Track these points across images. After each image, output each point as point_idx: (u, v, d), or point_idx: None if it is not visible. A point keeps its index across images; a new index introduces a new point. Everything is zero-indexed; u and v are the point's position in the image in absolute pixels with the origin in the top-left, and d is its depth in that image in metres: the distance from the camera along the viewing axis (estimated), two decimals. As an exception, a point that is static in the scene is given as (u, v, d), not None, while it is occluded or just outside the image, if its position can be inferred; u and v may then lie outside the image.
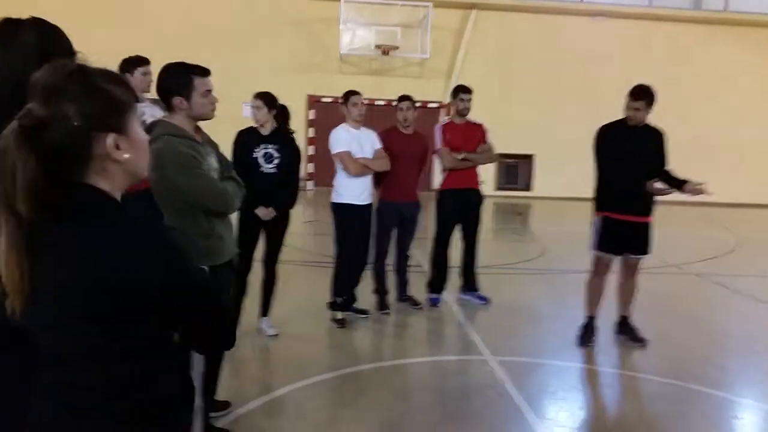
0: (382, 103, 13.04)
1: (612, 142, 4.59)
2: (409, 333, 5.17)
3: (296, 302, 5.53)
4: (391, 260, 5.48)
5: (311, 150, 14.73)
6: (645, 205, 4.60)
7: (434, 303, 5.63)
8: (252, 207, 4.41)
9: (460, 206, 5.57)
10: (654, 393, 4.06)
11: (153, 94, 3.12)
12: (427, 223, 5.68)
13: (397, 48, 14.58)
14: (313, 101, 14.96)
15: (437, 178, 5.73)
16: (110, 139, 1.17)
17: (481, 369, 4.27)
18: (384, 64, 14.92)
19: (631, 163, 4.49)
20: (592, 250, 4.72)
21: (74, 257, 1.13)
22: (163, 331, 1.24)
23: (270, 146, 4.44)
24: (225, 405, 3.44)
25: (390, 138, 5.26)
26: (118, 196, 1.23)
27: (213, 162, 2.90)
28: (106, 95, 1.17)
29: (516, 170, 15.92)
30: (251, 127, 4.51)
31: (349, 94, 5.02)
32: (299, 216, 10.92)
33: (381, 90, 13.30)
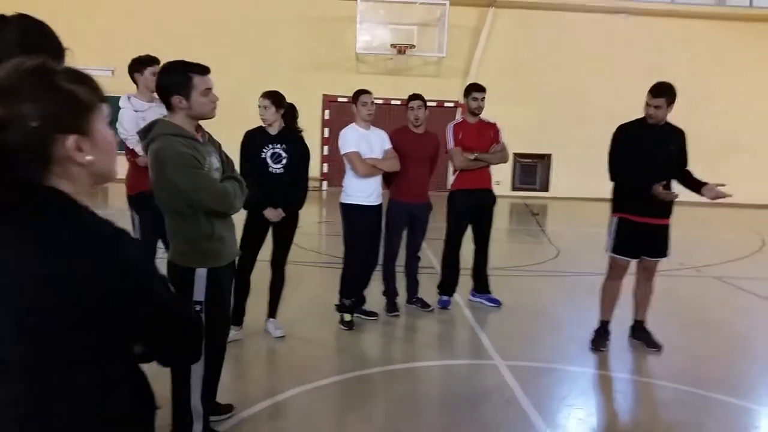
0: (398, 102, 12.95)
1: (629, 142, 4.48)
2: (418, 336, 5.09)
3: (304, 304, 5.49)
4: (401, 261, 5.41)
5: (326, 150, 14.71)
6: (663, 206, 4.47)
7: (445, 305, 5.55)
8: (260, 208, 4.38)
9: (472, 207, 5.48)
10: (669, 400, 3.94)
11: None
12: (440, 223, 5.58)
13: (413, 47, 14.50)
14: (329, 101, 14.93)
15: (451, 178, 5.63)
16: (71, 140, 1.11)
17: (490, 374, 4.18)
18: (400, 64, 14.85)
19: (649, 163, 4.37)
20: (608, 253, 4.62)
21: (25, 261, 1.08)
22: (117, 341, 1.18)
23: (278, 146, 4.40)
24: (228, 408, 3.40)
25: (400, 138, 5.19)
26: (83, 198, 1.17)
27: (215, 161, 2.86)
28: (67, 95, 1.11)
29: (533, 170, 15.75)
30: (259, 127, 4.47)
31: (359, 93, 4.95)
32: (311, 216, 10.91)
33: (397, 90, 13.20)
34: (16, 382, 1.13)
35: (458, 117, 5.62)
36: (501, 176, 14.36)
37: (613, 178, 4.56)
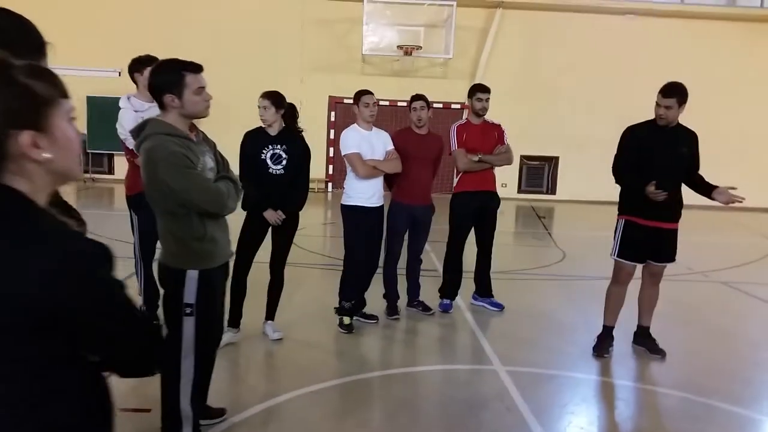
0: (404, 104, 12.80)
1: (636, 143, 4.39)
2: (418, 340, 5.02)
3: (304, 306, 5.44)
4: (402, 264, 5.34)
5: (331, 152, 14.65)
6: (671, 210, 4.38)
7: (446, 309, 5.48)
8: (259, 209, 4.33)
9: (475, 209, 5.40)
10: (672, 409, 3.86)
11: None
12: (444, 226, 5.51)
13: (419, 48, 14.42)
14: (335, 102, 14.89)
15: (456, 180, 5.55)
16: (26, 137, 1.06)
17: (490, 379, 4.11)
18: (406, 65, 14.77)
19: (658, 165, 4.28)
20: (613, 257, 4.53)
21: None
22: (68, 351, 1.13)
23: (278, 147, 4.36)
24: (220, 412, 3.34)
25: (403, 139, 5.13)
26: (41, 198, 1.12)
27: (209, 161, 2.82)
28: (23, 90, 1.06)
29: (540, 172, 15.63)
30: (259, 128, 4.43)
31: (361, 93, 4.90)
32: (315, 218, 10.87)
33: (403, 91, 13.02)
34: None
35: (465, 118, 5.54)
36: (507, 178, 14.28)
37: (617, 180, 4.48)
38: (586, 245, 9.12)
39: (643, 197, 4.25)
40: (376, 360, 4.63)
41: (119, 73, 11.52)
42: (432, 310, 5.40)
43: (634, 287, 4.63)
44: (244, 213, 4.41)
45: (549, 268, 7.72)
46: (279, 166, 4.35)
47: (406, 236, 5.27)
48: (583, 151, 14.56)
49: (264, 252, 4.50)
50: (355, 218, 4.87)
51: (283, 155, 4.35)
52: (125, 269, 5.11)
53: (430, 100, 5.22)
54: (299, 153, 4.42)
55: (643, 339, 4.65)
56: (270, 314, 4.64)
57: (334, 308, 4.99)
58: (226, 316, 4.32)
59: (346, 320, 4.89)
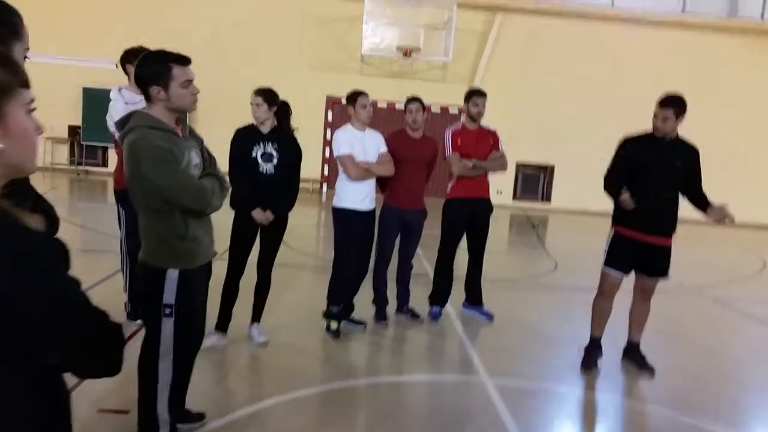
0: (402, 106, 12.77)
1: (630, 154, 4.32)
2: (406, 348, 4.94)
3: (291, 309, 5.35)
4: (393, 269, 5.26)
5: (327, 152, 14.57)
6: (664, 224, 4.31)
7: (435, 316, 5.40)
8: (249, 208, 4.25)
9: (468, 215, 5.33)
10: (659, 427, 3.81)
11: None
12: (437, 231, 5.44)
13: (419, 50, 14.37)
14: (332, 102, 14.81)
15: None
16: None
17: (477, 391, 4.03)
18: (405, 67, 14.71)
19: (651, 177, 4.21)
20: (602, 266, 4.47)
21: None
22: (16, 352, 1.04)
23: (269, 145, 4.27)
24: (199, 417, 3.25)
25: (397, 141, 5.06)
26: None
27: (194, 157, 2.73)
28: None
29: (535, 180, 15.58)
30: (250, 125, 4.34)
31: (357, 94, 4.80)
32: (309, 219, 10.77)
33: (401, 93, 12.94)
34: None
35: (462, 121, 5.47)
36: (502, 185, 14.22)
37: (605, 188, 4.40)
38: (578, 256, 9.07)
39: (634, 209, 4.19)
40: (362, 367, 4.55)
41: (117, 64, 11.40)
42: (420, 317, 5.32)
43: (626, 301, 4.57)
44: (233, 212, 4.32)
45: (541, 277, 7.66)
46: (270, 165, 4.27)
47: (397, 240, 5.20)
48: (580, 160, 14.50)
49: (252, 252, 4.41)
50: (345, 221, 4.79)
51: (275, 154, 4.27)
52: (114, 265, 5.02)
53: (428, 103, 5.15)
54: (291, 152, 4.34)
55: (633, 354, 4.58)
56: (256, 316, 4.55)
57: (322, 312, 4.91)
58: (213, 319, 4.24)
59: (333, 325, 4.80)
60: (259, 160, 4.25)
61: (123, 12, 13.78)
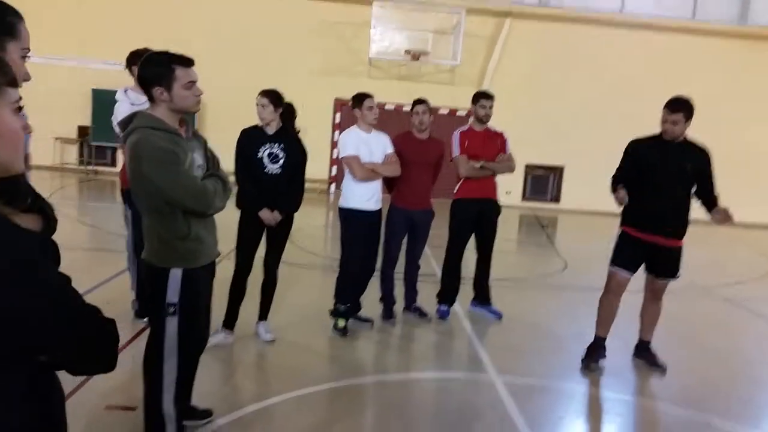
0: (409, 109, 12.78)
1: (637, 157, 4.31)
2: (413, 346, 4.94)
3: (300, 307, 5.36)
4: (400, 269, 5.26)
5: (335, 153, 14.61)
6: (672, 226, 4.28)
7: (443, 315, 5.39)
8: (256, 208, 4.26)
9: (475, 216, 5.32)
10: (670, 425, 3.77)
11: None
12: (445, 231, 5.43)
13: (427, 54, 14.37)
14: (340, 105, 14.83)
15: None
16: None
17: (485, 389, 4.02)
18: (413, 70, 14.71)
19: (658, 179, 4.20)
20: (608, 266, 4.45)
21: None
22: (9, 352, 1.05)
23: (275, 146, 4.29)
24: (206, 414, 3.26)
25: (403, 143, 5.06)
26: None
27: (198, 158, 2.74)
28: None
29: (545, 181, 15.53)
30: (255, 126, 4.36)
31: (363, 97, 4.80)
32: (317, 219, 10.79)
33: (409, 95, 12.94)
34: None
35: (467, 124, 5.47)
36: (512, 186, 14.19)
37: (612, 190, 4.38)
38: (587, 256, 9.02)
39: (642, 210, 4.18)
40: (369, 365, 4.54)
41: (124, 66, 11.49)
42: (428, 316, 5.32)
43: (635, 300, 4.54)
44: (238, 212, 4.34)
45: (550, 277, 7.63)
46: (276, 166, 4.28)
47: (404, 241, 5.20)
48: (589, 162, 14.43)
49: (259, 250, 4.43)
50: (352, 221, 4.79)
51: (281, 154, 4.28)
52: (123, 263, 5.05)
53: (436, 105, 5.14)
54: (296, 153, 4.36)
55: (643, 353, 4.56)
56: (263, 314, 4.56)
57: (329, 310, 4.91)
58: (220, 317, 4.25)
59: (341, 323, 4.81)
60: (266, 160, 4.27)
61: (133, 15, 13.88)
